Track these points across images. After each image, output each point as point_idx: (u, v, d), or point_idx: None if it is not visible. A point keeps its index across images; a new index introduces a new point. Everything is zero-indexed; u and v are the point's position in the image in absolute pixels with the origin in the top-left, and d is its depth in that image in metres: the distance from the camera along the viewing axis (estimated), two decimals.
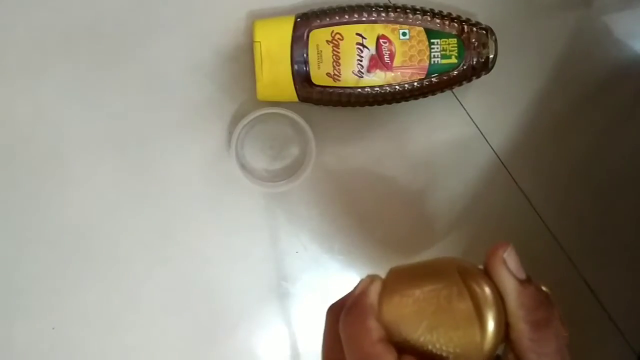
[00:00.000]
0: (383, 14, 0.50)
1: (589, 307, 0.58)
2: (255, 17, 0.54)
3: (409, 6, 0.51)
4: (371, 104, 0.53)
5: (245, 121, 0.52)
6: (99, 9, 0.55)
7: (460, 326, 0.27)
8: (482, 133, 0.57)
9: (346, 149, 0.57)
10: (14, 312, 0.56)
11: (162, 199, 0.56)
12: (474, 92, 0.57)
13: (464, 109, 0.57)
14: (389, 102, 0.53)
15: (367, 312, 0.27)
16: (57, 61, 0.55)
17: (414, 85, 0.51)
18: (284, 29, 0.51)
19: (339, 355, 0.27)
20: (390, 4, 0.52)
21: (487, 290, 0.28)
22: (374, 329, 0.26)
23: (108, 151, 0.56)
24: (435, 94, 0.53)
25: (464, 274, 0.29)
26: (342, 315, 0.28)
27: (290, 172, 0.55)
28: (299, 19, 0.51)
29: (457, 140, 0.57)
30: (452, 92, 0.56)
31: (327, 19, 0.50)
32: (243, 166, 0.54)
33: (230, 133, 0.55)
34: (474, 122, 0.57)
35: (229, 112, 0.56)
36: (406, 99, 0.53)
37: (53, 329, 0.56)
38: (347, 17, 0.50)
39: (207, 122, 0.56)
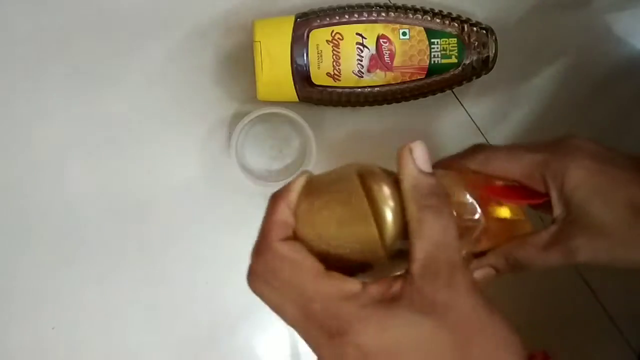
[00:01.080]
0: (383, 14, 0.50)
1: (589, 307, 0.58)
2: (255, 17, 0.54)
3: (409, 6, 0.51)
4: (371, 104, 0.53)
5: (245, 121, 0.52)
6: (99, 9, 0.55)
7: (358, 223, 0.29)
8: (482, 133, 0.57)
9: (346, 149, 0.57)
10: (14, 312, 0.56)
11: (162, 199, 0.56)
12: (474, 92, 0.56)
13: (464, 109, 0.57)
14: (389, 102, 0.53)
15: (283, 199, 0.30)
16: (57, 61, 0.55)
17: (414, 85, 0.51)
18: (284, 29, 0.51)
19: None
20: (390, 4, 0.52)
21: (385, 187, 0.29)
22: (281, 212, 0.29)
23: (108, 151, 0.56)
24: (435, 94, 0.53)
25: (364, 176, 0.30)
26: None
27: (290, 172, 0.55)
28: (299, 19, 0.51)
29: (457, 140, 0.57)
30: (452, 92, 0.56)
31: (327, 19, 0.50)
32: (243, 166, 0.54)
33: (230, 133, 0.55)
34: (474, 122, 0.57)
35: (229, 112, 0.56)
36: (406, 98, 0.53)
37: (53, 328, 0.56)
38: (347, 16, 0.50)
39: (207, 122, 0.56)
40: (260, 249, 0.30)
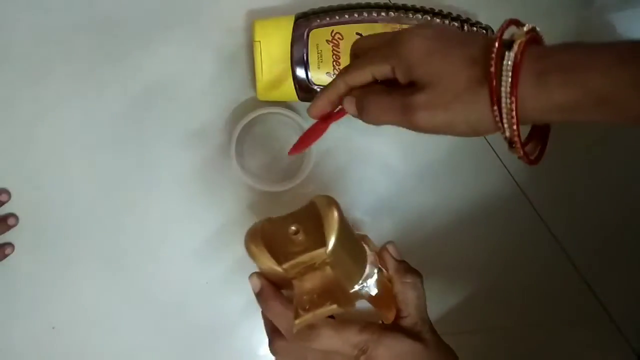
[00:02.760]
0: (383, 14, 0.50)
1: (589, 307, 0.58)
2: (255, 17, 0.54)
3: (409, 5, 0.51)
4: None
5: (245, 121, 0.52)
6: (99, 9, 0.55)
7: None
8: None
9: (346, 149, 0.57)
10: (14, 312, 0.56)
11: (162, 199, 0.56)
12: None
13: None
14: None
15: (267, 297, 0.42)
16: (57, 61, 0.55)
17: None
18: (284, 29, 0.51)
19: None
20: (390, 4, 0.52)
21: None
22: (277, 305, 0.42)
23: (108, 151, 0.56)
24: None
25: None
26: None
27: (290, 172, 0.55)
28: (299, 19, 0.51)
29: (457, 141, 0.57)
30: None
31: (327, 19, 0.50)
32: (243, 166, 0.54)
33: (230, 133, 0.55)
34: None
35: (229, 112, 0.56)
36: None
37: (53, 328, 0.56)
38: (347, 16, 0.50)
39: (207, 121, 0.56)
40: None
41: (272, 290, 0.42)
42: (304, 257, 0.38)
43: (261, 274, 0.42)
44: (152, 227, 0.56)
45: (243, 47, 0.56)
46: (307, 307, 0.36)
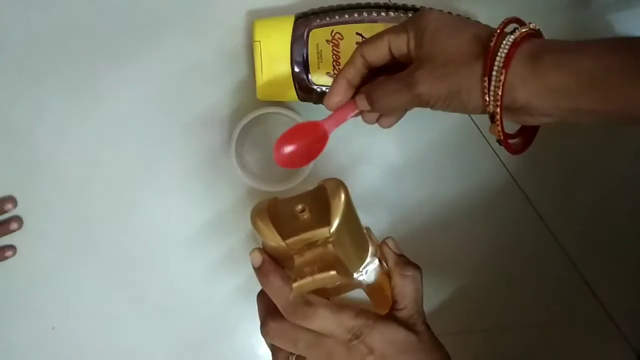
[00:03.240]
0: (383, 14, 0.50)
1: (589, 307, 0.58)
2: (255, 17, 0.54)
3: (409, 5, 0.51)
4: None
5: (245, 121, 0.52)
6: (99, 9, 0.55)
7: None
8: (482, 133, 0.57)
9: (346, 149, 0.57)
10: (14, 312, 0.56)
11: (162, 199, 0.56)
12: None
13: None
14: None
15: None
16: (57, 61, 0.55)
17: None
18: (284, 29, 0.51)
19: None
20: (390, 3, 0.52)
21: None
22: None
23: (108, 151, 0.56)
24: None
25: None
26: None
27: (290, 172, 0.55)
28: (298, 19, 0.51)
29: (457, 140, 0.57)
30: None
31: (327, 19, 0.50)
32: (243, 166, 0.54)
33: (230, 133, 0.55)
34: (474, 121, 0.57)
35: (229, 112, 0.56)
36: None
37: (53, 328, 0.56)
38: (347, 16, 0.50)
39: (207, 121, 0.56)
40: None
41: (273, 265, 0.41)
42: (308, 234, 0.39)
43: (263, 250, 0.42)
44: (152, 227, 0.56)
45: (243, 47, 0.56)
46: (306, 277, 0.37)
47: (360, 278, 0.44)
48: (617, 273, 0.58)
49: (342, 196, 0.39)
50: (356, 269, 0.43)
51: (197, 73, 0.56)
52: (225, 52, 0.56)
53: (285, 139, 0.44)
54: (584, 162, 0.58)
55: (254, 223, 0.40)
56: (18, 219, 0.55)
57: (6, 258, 0.55)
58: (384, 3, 0.52)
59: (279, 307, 0.40)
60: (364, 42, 0.41)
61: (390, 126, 0.44)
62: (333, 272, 0.36)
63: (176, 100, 0.56)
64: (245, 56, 0.55)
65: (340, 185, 0.40)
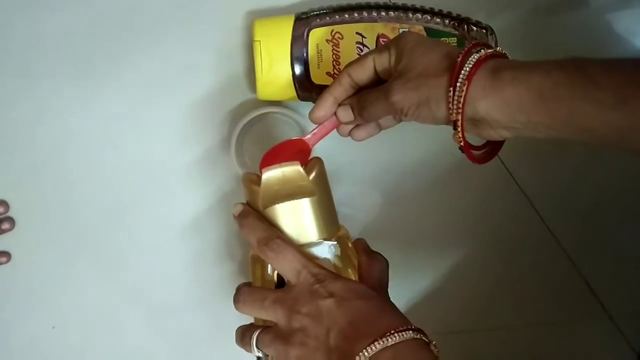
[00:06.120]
0: (383, 13, 0.50)
1: (589, 307, 0.58)
2: (255, 17, 0.54)
3: (409, 5, 0.51)
4: None
5: (245, 121, 0.52)
6: (99, 9, 0.55)
7: None
8: None
9: (345, 149, 0.57)
10: (14, 312, 0.56)
11: (162, 199, 0.56)
12: None
13: None
14: None
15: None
16: (57, 61, 0.55)
17: None
18: (284, 28, 0.51)
19: None
20: (390, 3, 0.52)
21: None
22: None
23: (108, 151, 0.56)
24: None
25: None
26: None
27: None
28: (299, 18, 0.51)
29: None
30: None
31: (327, 18, 0.50)
32: (243, 166, 0.54)
33: (230, 133, 0.55)
34: None
35: (229, 111, 0.56)
36: None
37: (53, 328, 0.56)
38: (347, 16, 0.50)
39: (207, 121, 0.56)
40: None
41: (252, 211, 0.44)
42: (282, 165, 0.43)
43: (246, 204, 0.45)
44: (152, 227, 0.56)
45: (243, 47, 0.56)
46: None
47: (319, 248, 0.44)
48: (617, 273, 0.58)
49: (320, 161, 0.45)
50: (321, 227, 0.44)
51: (197, 73, 0.56)
52: (225, 52, 0.56)
53: (269, 156, 0.45)
54: (584, 162, 0.58)
55: (243, 180, 0.46)
56: (9, 219, 0.55)
57: (0, 264, 0.55)
58: (384, 3, 0.52)
59: (253, 242, 0.42)
60: (351, 63, 0.44)
61: (362, 139, 0.47)
62: (298, 165, 0.42)
63: (176, 100, 0.56)
64: (245, 56, 0.55)
65: (319, 158, 0.46)
